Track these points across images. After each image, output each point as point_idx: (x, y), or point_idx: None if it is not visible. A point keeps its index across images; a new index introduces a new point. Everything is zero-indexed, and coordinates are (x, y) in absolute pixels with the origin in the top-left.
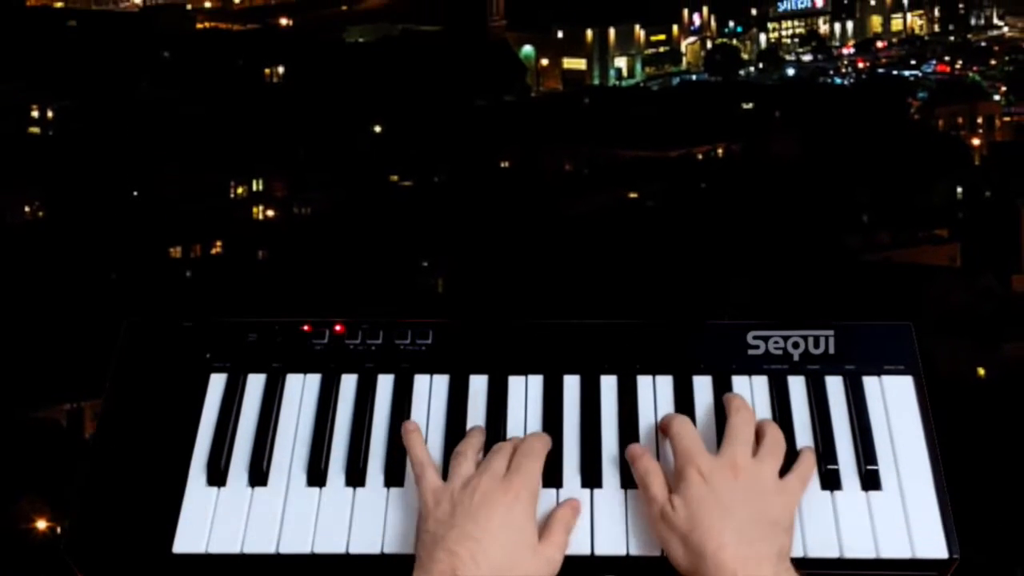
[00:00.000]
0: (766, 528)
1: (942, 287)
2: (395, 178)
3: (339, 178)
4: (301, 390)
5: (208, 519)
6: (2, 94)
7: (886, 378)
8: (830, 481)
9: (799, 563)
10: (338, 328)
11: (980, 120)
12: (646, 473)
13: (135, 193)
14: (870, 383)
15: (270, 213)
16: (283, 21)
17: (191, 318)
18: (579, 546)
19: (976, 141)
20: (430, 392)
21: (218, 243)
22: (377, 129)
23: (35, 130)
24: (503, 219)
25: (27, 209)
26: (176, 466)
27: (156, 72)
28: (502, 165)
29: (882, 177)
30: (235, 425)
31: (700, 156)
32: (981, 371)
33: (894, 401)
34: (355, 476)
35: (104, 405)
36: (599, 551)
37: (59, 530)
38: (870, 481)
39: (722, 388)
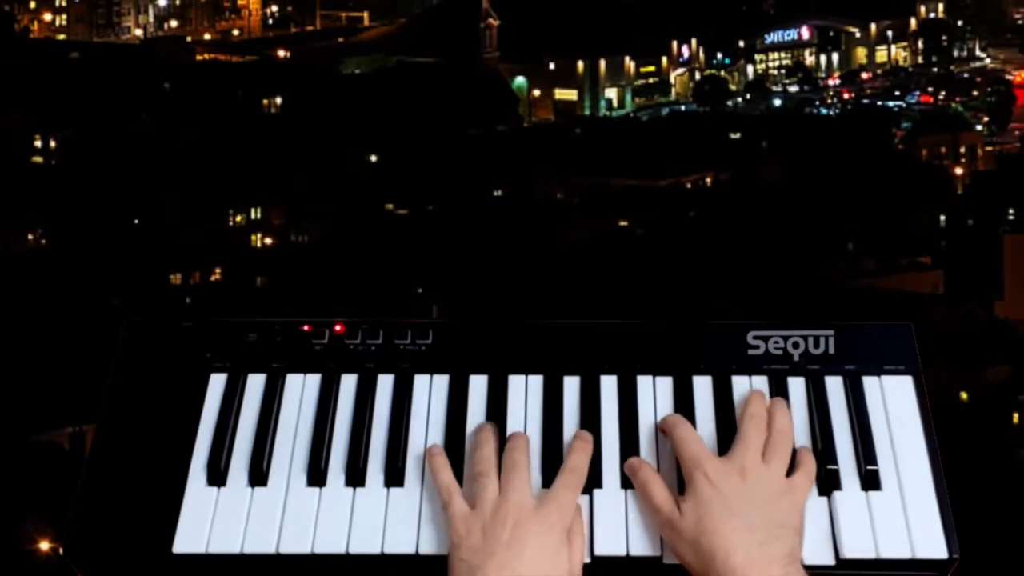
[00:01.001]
0: (775, 530)
1: (926, 313)
2: (390, 206)
3: (336, 206)
4: (301, 390)
5: (208, 519)
6: (5, 124)
7: (886, 378)
8: (830, 481)
9: None
10: (338, 328)
11: (963, 150)
12: (647, 483)
13: (136, 221)
14: (870, 383)
15: (268, 241)
16: (281, 53)
17: (191, 318)
18: None
19: (959, 170)
20: (430, 392)
21: (217, 270)
22: (373, 158)
23: (38, 159)
24: (496, 246)
25: (30, 237)
26: (176, 466)
27: (156, 103)
28: (495, 194)
29: (867, 205)
30: (235, 425)
31: (689, 185)
32: (964, 395)
33: (894, 401)
34: (355, 476)
35: (104, 405)
36: (599, 551)
37: (62, 551)
38: (870, 481)
39: (722, 388)
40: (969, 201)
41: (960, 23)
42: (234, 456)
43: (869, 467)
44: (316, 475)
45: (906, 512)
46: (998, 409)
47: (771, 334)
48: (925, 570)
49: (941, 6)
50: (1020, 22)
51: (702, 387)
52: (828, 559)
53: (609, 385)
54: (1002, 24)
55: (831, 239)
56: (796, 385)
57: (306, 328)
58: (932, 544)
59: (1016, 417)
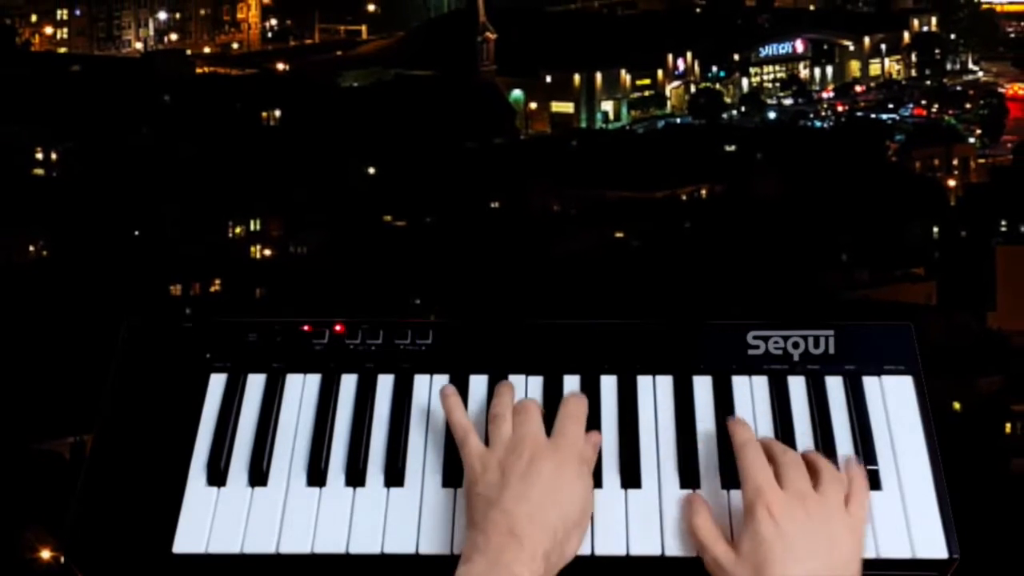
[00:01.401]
0: (839, 572)
1: (919, 324)
2: (388, 218)
3: (334, 218)
4: (301, 390)
5: (208, 519)
6: (7, 136)
7: (886, 378)
8: None
9: None
10: (338, 328)
11: (956, 162)
12: (700, 530)
13: (136, 232)
14: (870, 383)
15: (267, 252)
16: (280, 66)
17: (191, 319)
18: None
19: (952, 182)
20: (430, 392)
21: (217, 281)
22: (371, 170)
23: (39, 171)
24: (494, 257)
25: (31, 248)
26: (176, 466)
27: (157, 115)
28: (492, 205)
29: (861, 217)
30: (235, 425)
31: (684, 197)
32: (957, 405)
33: (894, 401)
34: (355, 476)
35: (104, 406)
36: (599, 551)
37: (63, 560)
38: (870, 481)
39: (722, 388)
40: (962, 213)
41: (953, 36)
42: (234, 456)
43: (869, 467)
44: (316, 475)
45: (906, 512)
46: (991, 419)
47: (771, 334)
48: (925, 570)
49: (934, 20)
50: (1012, 35)
51: (702, 387)
52: None
53: (609, 385)
54: (994, 37)
55: (825, 250)
56: (796, 385)
57: (306, 328)
58: (932, 544)
59: (1009, 427)
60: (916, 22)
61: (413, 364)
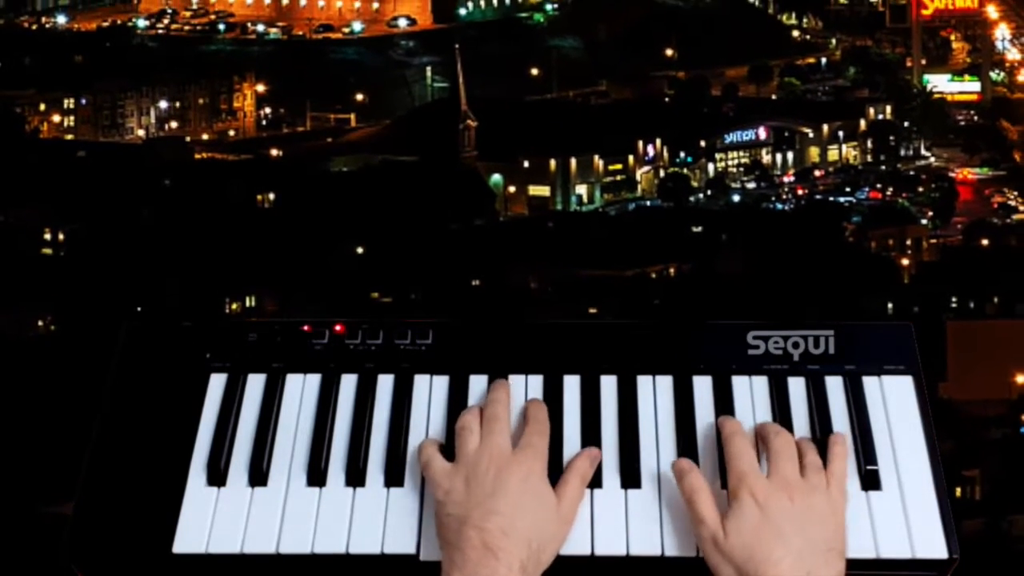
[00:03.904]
0: (823, 555)
1: None
2: (376, 295)
3: (325, 295)
4: (301, 390)
5: (208, 519)
6: (18, 218)
7: (886, 378)
8: None
9: None
10: (338, 328)
11: (909, 242)
12: (693, 492)
13: (138, 309)
14: (870, 383)
15: None
16: (274, 152)
17: (191, 318)
18: (579, 546)
19: (905, 261)
20: (430, 392)
21: None
22: (359, 250)
23: (47, 251)
24: None
25: (40, 323)
26: (176, 466)
27: (158, 198)
28: (473, 283)
29: (819, 293)
30: (235, 425)
31: (654, 275)
32: None
33: (894, 401)
34: (355, 476)
35: (104, 405)
36: (599, 551)
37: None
38: (870, 481)
39: (722, 388)
40: (915, 289)
41: (906, 124)
42: (234, 456)
43: (869, 467)
44: (316, 475)
45: (906, 512)
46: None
47: (771, 334)
48: (925, 570)
49: (889, 108)
50: (962, 123)
51: (702, 387)
52: None
53: (609, 385)
54: (945, 125)
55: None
56: (796, 385)
57: (306, 328)
58: (932, 544)
59: (959, 491)
60: (872, 110)
61: (413, 364)
